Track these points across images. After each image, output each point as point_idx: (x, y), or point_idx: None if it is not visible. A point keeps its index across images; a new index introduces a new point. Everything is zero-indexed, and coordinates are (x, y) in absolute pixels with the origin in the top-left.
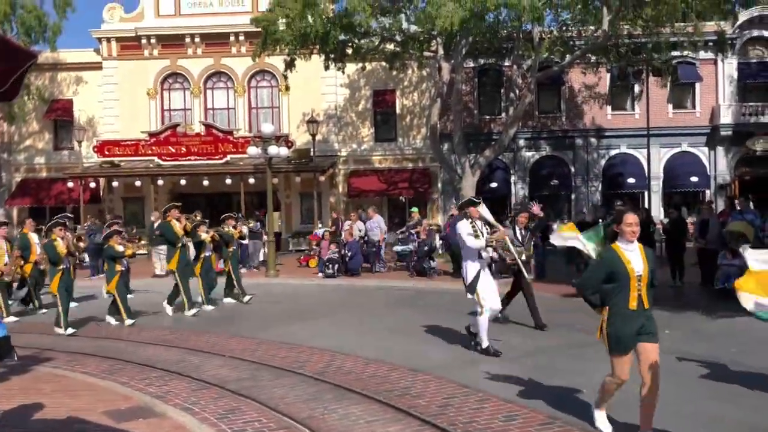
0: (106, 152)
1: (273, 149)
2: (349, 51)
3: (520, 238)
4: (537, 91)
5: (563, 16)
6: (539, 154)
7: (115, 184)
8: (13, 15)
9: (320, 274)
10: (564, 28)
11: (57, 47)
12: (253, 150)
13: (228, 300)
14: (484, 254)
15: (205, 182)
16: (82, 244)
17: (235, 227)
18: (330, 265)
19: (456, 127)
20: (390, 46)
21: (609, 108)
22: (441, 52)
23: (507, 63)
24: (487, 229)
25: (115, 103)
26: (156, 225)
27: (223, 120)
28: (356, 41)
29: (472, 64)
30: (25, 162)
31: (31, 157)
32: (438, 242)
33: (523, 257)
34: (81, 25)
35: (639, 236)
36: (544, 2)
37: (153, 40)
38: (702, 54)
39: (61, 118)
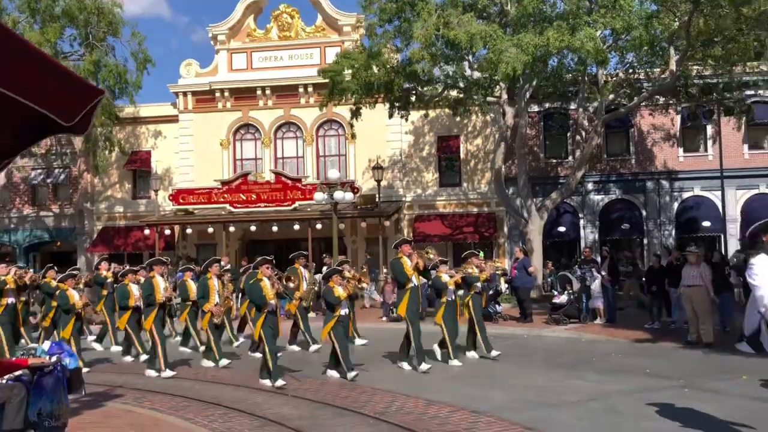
0: (181, 200)
1: (339, 194)
2: (413, 98)
3: None
4: (605, 133)
5: (629, 58)
6: (609, 198)
7: (188, 231)
8: (97, 74)
9: (384, 318)
10: (630, 70)
11: (137, 102)
12: (319, 195)
13: (471, 354)
14: None
15: (274, 228)
16: (291, 285)
17: (479, 267)
18: (394, 309)
19: (521, 170)
20: (453, 93)
21: (681, 150)
22: (504, 96)
23: (573, 106)
24: None
25: (189, 153)
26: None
27: (292, 168)
28: (419, 89)
29: (536, 108)
30: (106, 211)
31: (111, 206)
32: (503, 286)
33: None
34: (159, 80)
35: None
36: (609, 45)
37: (226, 94)
38: None
39: (139, 169)
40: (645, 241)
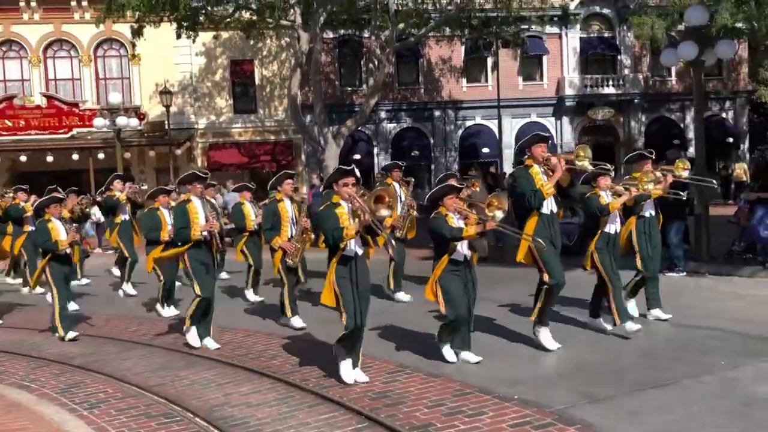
0: None
1: (122, 120)
2: (202, 18)
3: None
4: (396, 63)
5: None
6: (400, 126)
7: None
8: None
9: None
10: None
11: None
12: (99, 122)
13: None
14: None
15: (49, 158)
16: (385, 212)
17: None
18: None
19: (316, 98)
20: (246, 14)
21: (464, 80)
22: (299, 21)
23: (366, 34)
24: None
25: None
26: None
27: (67, 92)
28: (209, 8)
29: (332, 35)
30: None
31: None
32: None
33: None
34: None
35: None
36: None
37: None
38: (548, 28)
39: None
40: (432, 167)
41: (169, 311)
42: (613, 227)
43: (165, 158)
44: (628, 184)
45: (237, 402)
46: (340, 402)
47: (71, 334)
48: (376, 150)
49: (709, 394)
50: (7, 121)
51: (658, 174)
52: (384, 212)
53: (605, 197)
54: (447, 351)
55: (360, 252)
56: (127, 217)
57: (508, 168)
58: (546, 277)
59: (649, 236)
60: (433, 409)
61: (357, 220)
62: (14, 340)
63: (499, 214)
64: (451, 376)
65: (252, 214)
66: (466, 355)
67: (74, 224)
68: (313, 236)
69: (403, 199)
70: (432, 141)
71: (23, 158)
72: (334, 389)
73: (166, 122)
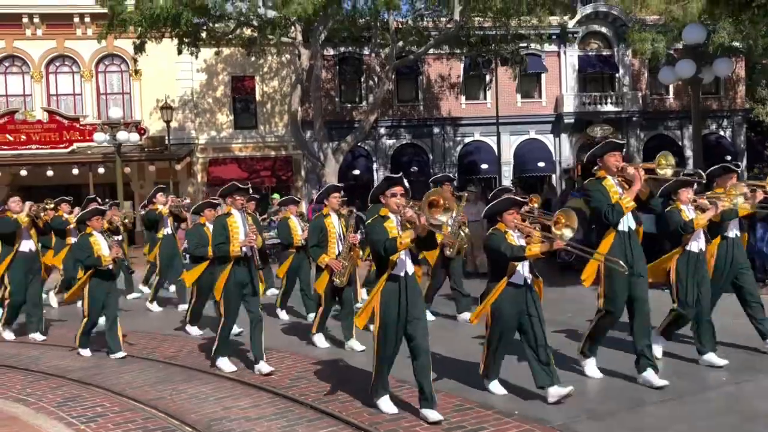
0: None
1: (122, 135)
2: (203, 35)
3: None
4: (396, 80)
5: (418, 5)
6: (399, 142)
7: None
8: None
9: None
10: (419, 18)
11: None
12: (100, 136)
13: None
14: None
15: (50, 173)
16: (442, 218)
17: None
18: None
19: (316, 114)
20: (247, 31)
21: (463, 97)
22: (300, 38)
23: (366, 51)
24: None
25: None
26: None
27: (68, 107)
28: (210, 25)
29: (332, 52)
30: None
31: None
32: None
33: None
34: None
35: None
36: None
37: None
38: (547, 47)
39: None
40: (431, 183)
41: (194, 330)
42: (696, 245)
43: (165, 173)
44: (714, 199)
45: (236, 416)
46: (340, 417)
47: (86, 352)
48: (375, 166)
49: (711, 410)
50: (8, 136)
51: (746, 189)
52: (441, 218)
53: (687, 212)
54: (494, 386)
55: (411, 271)
56: (169, 231)
57: (506, 184)
58: (601, 303)
59: (732, 258)
60: (433, 424)
61: (412, 227)
62: (12, 353)
63: (568, 233)
64: (451, 391)
65: (299, 229)
66: (493, 386)
67: (114, 237)
68: (361, 253)
69: (454, 215)
70: (431, 157)
71: (23, 172)
72: (334, 404)
73: (166, 137)
